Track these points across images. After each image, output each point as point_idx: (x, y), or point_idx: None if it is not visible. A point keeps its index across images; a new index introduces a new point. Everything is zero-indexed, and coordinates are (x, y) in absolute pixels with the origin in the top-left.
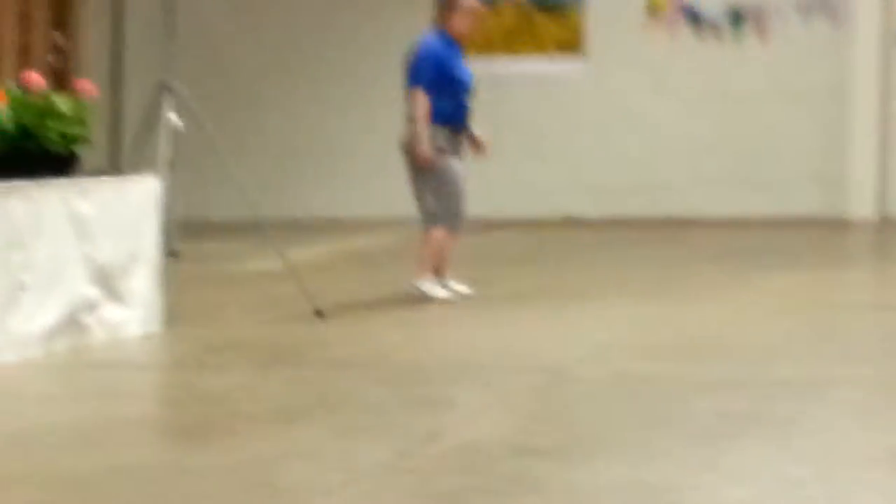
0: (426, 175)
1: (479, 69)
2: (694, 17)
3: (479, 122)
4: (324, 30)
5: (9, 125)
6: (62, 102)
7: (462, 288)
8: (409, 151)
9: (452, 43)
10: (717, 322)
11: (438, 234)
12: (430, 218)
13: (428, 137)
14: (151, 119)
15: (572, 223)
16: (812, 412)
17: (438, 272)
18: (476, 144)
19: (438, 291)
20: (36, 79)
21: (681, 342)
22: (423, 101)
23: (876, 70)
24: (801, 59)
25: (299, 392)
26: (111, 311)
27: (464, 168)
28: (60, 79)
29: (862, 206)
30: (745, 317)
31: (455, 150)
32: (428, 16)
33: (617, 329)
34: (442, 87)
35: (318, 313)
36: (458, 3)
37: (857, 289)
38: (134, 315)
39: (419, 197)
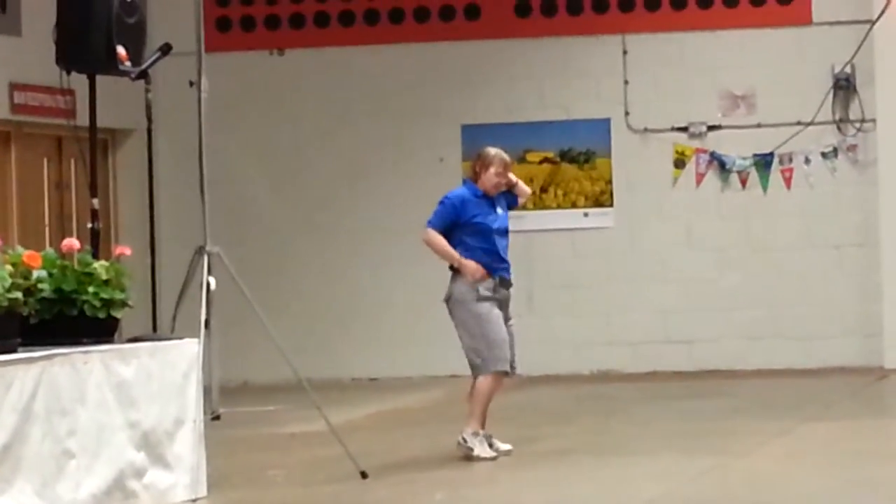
0: (462, 324)
1: (510, 224)
2: (721, 166)
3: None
4: (358, 186)
5: (48, 291)
6: (101, 268)
7: (504, 445)
8: (447, 301)
9: (479, 193)
10: (763, 475)
11: (484, 382)
12: (475, 368)
13: (464, 283)
14: (189, 283)
15: (609, 377)
16: None
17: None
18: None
19: (482, 450)
20: (74, 245)
21: (728, 497)
22: (432, 237)
23: None
24: (829, 205)
25: None
26: (157, 477)
27: (505, 318)
28: (98, 244)
29: None
30: (790, 469)
31: (496, 301)
32: (460, 170)
33: (662, 484)
34: (463, 232)
35: (363, 474)
36: (484, 158)
37: None
38: (180, 480)
39: (465, 348)
